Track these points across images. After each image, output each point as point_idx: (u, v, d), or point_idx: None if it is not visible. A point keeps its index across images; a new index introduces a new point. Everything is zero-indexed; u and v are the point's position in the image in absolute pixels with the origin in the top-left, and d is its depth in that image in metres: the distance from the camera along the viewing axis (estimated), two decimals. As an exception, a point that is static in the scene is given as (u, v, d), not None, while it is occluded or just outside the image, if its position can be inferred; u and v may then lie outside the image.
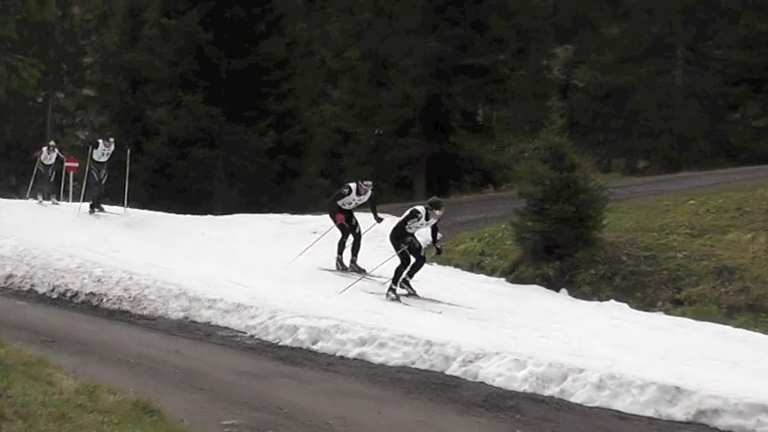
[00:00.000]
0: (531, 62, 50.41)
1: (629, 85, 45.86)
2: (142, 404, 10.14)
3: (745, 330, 18.82)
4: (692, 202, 25.64)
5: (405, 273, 20.33)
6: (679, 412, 13.01)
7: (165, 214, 29.05)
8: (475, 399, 13.74)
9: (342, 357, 15.90)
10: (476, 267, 24.52)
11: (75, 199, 32.63)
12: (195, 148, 40.37)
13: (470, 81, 42.34)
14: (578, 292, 22.00)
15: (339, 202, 23.08)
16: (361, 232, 23.33)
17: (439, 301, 19.97)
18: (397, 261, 20.40)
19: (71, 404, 9.42)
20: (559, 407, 13.47)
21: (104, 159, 28.59)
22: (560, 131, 25.28)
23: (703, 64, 46.40)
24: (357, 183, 22.85)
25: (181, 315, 18.59)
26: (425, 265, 24.89)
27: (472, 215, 29.27)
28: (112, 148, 28.67)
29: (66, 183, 33.94)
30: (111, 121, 49.46)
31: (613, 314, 19.15)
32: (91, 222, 27.83)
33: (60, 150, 34.07)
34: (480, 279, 23.75)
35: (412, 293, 20.34)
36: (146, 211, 31.13)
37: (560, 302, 21.25)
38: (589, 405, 13.49)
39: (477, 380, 14.57)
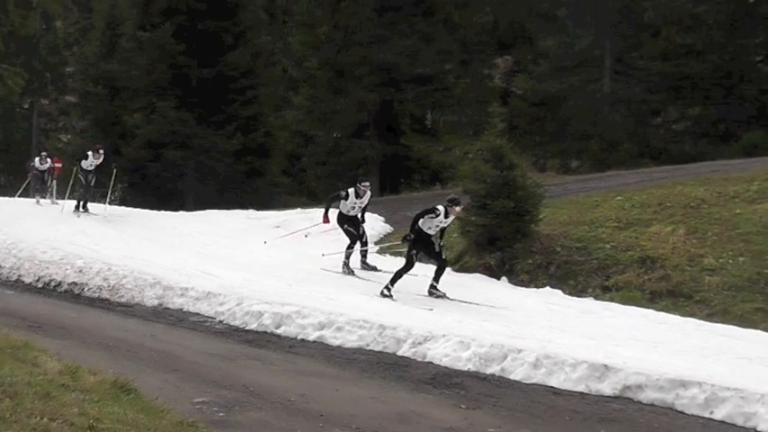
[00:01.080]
0: (474, 71, 50.37)
1: (563, 93, 46.04)
2: (120, 384, 10.11)
3: (665, 314, 18.96)
4: (618, 198, 25.76)
5: (404, 275, 19.40)
6: (607, 388, 13.12)
7: (141, 210, 28.95)
8: (424, 377, 13.78)
9: (303, 340, 15.93)
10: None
11: (58, 197, 32.43)
12: (168, 150, 40.33)
13: (419, 88, 42.41)
14: (517, 280, 22.09)
15: (341, 210, 22.05)
16: (368, 240, 22.87)
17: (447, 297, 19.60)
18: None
19: (55, 384, 9.38)
20: (500, 384, 13.54)
21: (91, 169, 28.40)
22: (500, 134, 25.52)
23: (628, 74, 46.61)
24: (355, 186, 21.98)
25: (155, 302, 18.56)
26: (378, 256, 24.98)
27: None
28: (102, 159, 28.46)
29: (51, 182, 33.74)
30: (91, 125, 49.30)
31: (549, 300, 19.23)
32: (73, 219, 27.69)
33: (51, 158, 33.98)
34: (429, 268, 23.76)
35: (441, 296, 19.25)
36: (123, 208, 31.01)
37: (501, 289, 21.32)
38: (527, 382, 13.58)
39: (425, 360, 14.62)
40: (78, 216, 27.87)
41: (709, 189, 25.15)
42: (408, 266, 19.42)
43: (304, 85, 46.98)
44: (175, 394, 11.46)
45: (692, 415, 12.33)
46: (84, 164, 28.23)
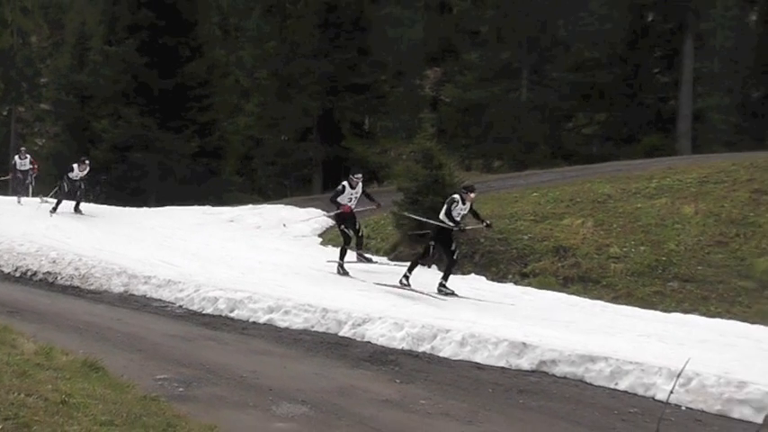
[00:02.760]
0: (407, 81, 50.50)
1: (485, 101, 46.18)
2: (89, 363, 10.10)
3: (576, 297, 19.10)
4: (535, 194, 25.90)
5: (416, 267, 18.94)
6: (525, 363, 13.22)
7: (109, 207, 28.67)
8: (362, 355, 13.82)
9: (254, 323, 15.92)
10: (363, 248, 24.55)
11: (34, 195, 32.04)
12: (132, 152, 40.08)
13: (357, 97, 42.41)
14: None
15: (339, 200, 20.88)
16: (363, 234, 22.10)
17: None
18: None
19: (31, 363, 9.36)
20: (430, 360, 13.60)
21: (78, 180, 28.02)
22: (430, 138, 25.43)
23: (543, 84, 46.88)
24: (348, 178, 21.06)
25: (122, 289, 18.47)
26: (324, 248, 24.96)
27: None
28: (87, 170, 28.09)
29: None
30: (63, 130, 48.98)
31: (474, 285, 19.30)
32: (47, 215, 27.40)
33: (31, 154, 33.59)
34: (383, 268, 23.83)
35: (450, 293, 18.34)
36: (93, 205, 30.71)
37: (431, 276, 21.36)
38: (454, 358, 13.65)
39: (364, 340, 14.66)
40: (51, 216, 27.46)
41: (614, 186, 25.34)
42: (425, 255, 19.12)
43: (254, 93, 46.86)
44: (139, 372, 11.43)
45: (600, 386, 12.45)
46: (72, 175, 27.89)
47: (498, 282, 20.75)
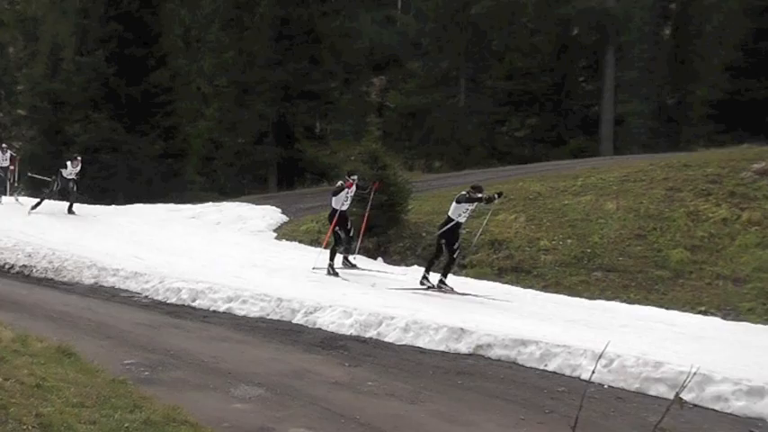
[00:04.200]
0: (355, 89, 50.46)
1: (427, 106, 46.32)
2: (63, 349, 10.02)
3: (510, 285, 19.25)
4: (472, 192, 25.97)
5: (432, 265, 18.30)
6: (463, 347, 13.26)
7: (80, 205, 28.33)
8: (314, 340, 13.80)
9: (214, 311, 15.84)
10: (315, 242, 24.49)
11: (11, 194, 31.51)
12: (102, 154, 39.73)
13: (309, 103, 42.38)
14: (391, 260, 22.20)
15: (338, 199, 19.64)
16: (353, 235, 20.52)
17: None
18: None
19: (8, 350, 9.29)
20: (377, 345, 13.61)
21: (72, 177, 27.46)
22: (376, 140, 25.43)
23: (479, 91, 47.10)
24: (344, 180, 19.86)
25: (92, 281, 18.28)
26: (279, 242, 24.90)
27: (312, 203, 29.21)
28: (79, 166, 27.53)
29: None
30: (38, 134, 48.49)
31: (416, 276, 19.33)
32: (23, 213, 27.02)
33: (11, 149, 33.02)
34: (318, 251, 23.72)
35: (449, 290, 17.88)
36: (66, 203, 30.36)
37: (377, 268, 21.38)
38: (398, 343, 13.67)
39: (315, 326, 14.64)
40: (29, 214, 26.99)
41: (544, 184, 25.47)
42: (438, 253, 18.37)
43: (214, 99, 46.66)
44: (109, 357, 11.32)
45: (531, 367, 12.54)
46: (65, 172, 27.29)
47: (438, 273, 20.78)
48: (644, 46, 51.36)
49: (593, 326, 15.48)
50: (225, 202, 31.29)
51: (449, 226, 18.01)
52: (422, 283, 18.10)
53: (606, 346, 6.25)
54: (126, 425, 7.71)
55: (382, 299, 16.55)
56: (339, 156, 44.09)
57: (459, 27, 46.46)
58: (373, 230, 22.96)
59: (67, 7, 56.79)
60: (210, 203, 31.06)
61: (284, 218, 27.39)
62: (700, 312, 18.32)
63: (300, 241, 24.77)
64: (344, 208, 19.81)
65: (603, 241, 21.44)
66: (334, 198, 19.81)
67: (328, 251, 19.87)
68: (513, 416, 10.29)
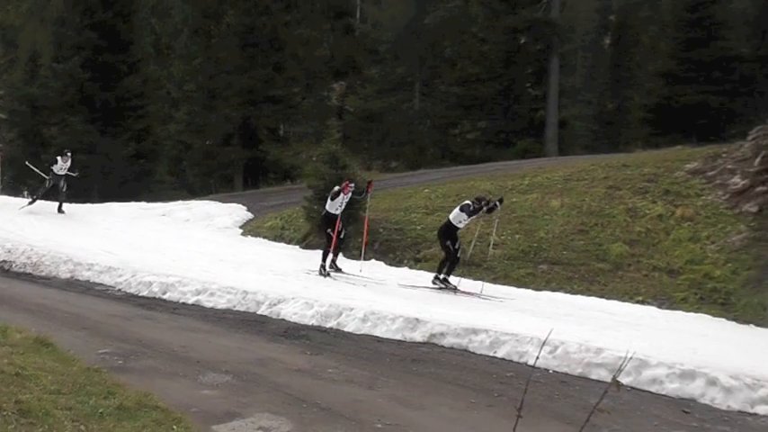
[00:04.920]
0: (316, 93, 50.34)
1: (384, 110, 46.34)
2: (41, 339, 9.94)
3: (462, 278, 19.23)
4: (426, 190, 26.02)
5: (446, 267, 18.02)
6: (418, 336, 13.29)
7: (41, 202, 27.95)
8: (278, 330, 13.77)
9: (183, 303, 15.75)
10: (278, 238, 24.48)
11: None
12: (77, 155, 39.41)
13: (273, 107, 42.24)
14: (350, 254, 22.14)
15: (334, 204, 18.91)
16: (344, 237, 19.79)
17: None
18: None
19: (-11, 341, 9.23)
20: (337, 335, 13.60)
21: (63, 173, 26.95)
22: (336, 142, 25.45)
23: (433, 95, 47.26)
24: (341, 186, 19.00)
25: (68, 275, 18.10)
26: (245, 238, 24.83)
27: (276, 201, 29.17)
28: (69, 162, 27.04)
29: None
30: (17, 136, 47.89)
31: (374, 269, 19.36)
32: (3, 211, 26.68)
33: None
34: (281, 246, 23.73)
35: (451, 288, 17.78)
36: (43, 202, 30.03)
37: (338, 262, 21.36)
38: (357, 333, 13.67)
39: (279, 317, 14.61)
40: (19, 210, 26.53)
41: (493, 183, 25.59)
42: (448, 256, 18.05)
43: (183, 104, 46.41)
44: (84, 347, 11.25)
45: (481, 354, 12.60)
46: (56, 168, 26.80)
47: (395, 266, 20.84)
48: (586, 54, 51.87)
49: (539, 315, 15.59)
50: (193, 201, 31.15)
51: (448, 229, 18.03)
52: (434, 283, 17.94)
53: (549, 333, 6.31)
54: (100, 410, 7.69)
55: (342, 291, 16.57)
56: (301, 157, 44.00)
57: (413, 36, 46.55)
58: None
59: (45, 16, 56.54)
60: (180, 202, 30.92)
61: (249, 215, 27.32)
62: (637, 302, 18.55)
63: (265, 237, 24.74)
64: (338, 212, 19.10)
65: (549, 236, 21.59)
66: (330, 202, 19.06)
67: (322, 253, 19.23)
68: (465, 400, 10.33)
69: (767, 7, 33.14)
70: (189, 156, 45.63)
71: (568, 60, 48.33)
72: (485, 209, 18.07)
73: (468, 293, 17.56)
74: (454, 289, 17.78)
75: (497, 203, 18.34)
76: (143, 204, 30.12)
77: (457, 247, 18.03)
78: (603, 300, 18.36)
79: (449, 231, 18.04)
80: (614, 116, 49.29)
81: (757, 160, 22.84)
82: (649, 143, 34.10)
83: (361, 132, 48.58)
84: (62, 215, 26.46)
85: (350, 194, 19.18)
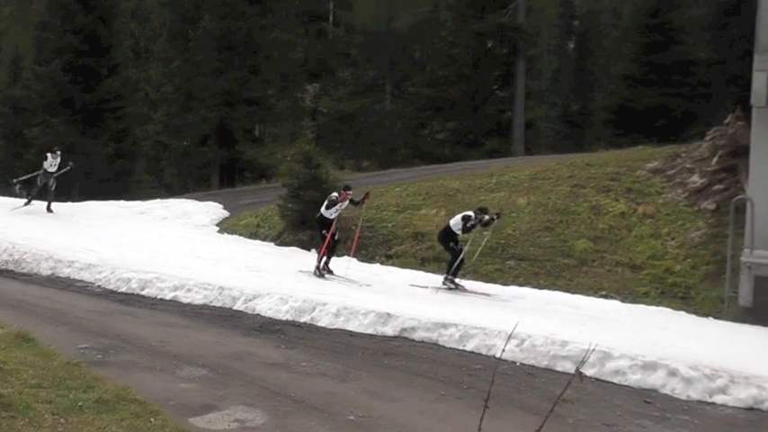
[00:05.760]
0: (290, 95, 50.20)
1: (356, 111, 46.32)
2: (22, 335, 9.95)
3: (432, 274, 19.31)
4: (397, 189, 26.00)
5: (453, 267, 17.65)
6: (389, 330, 13.32)
7: (37, 202, 27.73)
8: (253, 325, 13.77)
9: (161, 299, 15.72)
10: (254, 235, 24.39)
11: None
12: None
13: (249, 108, 42.05)
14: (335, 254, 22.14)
15: (329, 211, 18.43)
16: (336, 246, 19.00)
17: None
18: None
19: (-28, 336, 9.18)
20: (310, 329, 13.62)
21: (53, 170, 26.50)
22: (310, 142, 25.47)
23: (404, 97, 47.22)
24: (339, 192, 18.68)
25: (49, 272, 17.99)
26: (221, 236, 24.73)
27: (251, 200, 29.07)
28: (59, 158, 26.66)
29: None
30: (0, 137, 47.63)
31: (347, 266, 19.32)
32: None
33: None
34: (256, 243, 23.66)
35: (455, 288, 17.52)
36: (23, 201, 29.75)
37: (311, 258, 21.33)
38: (330, 327, 13.69)
39: (254, 312, 14.61)
40: (12, 212, 26.15)
41: (462, 182, 25.60)
42: (454, 256, 17.72)
43: (162, 105, 46.12)
44: (64, 342, 11.24)
45: (451, 348, 12.64)
46: (45, 164, 26.40)
47: (368, 263, 20.83)
48: (551, 58, 52.05)
49: (506, 309, 15.64)
50: (171, 199, 30.98)
51: (447, 233, 17.82)
52: (446, 285, 17.61)
53: (515, 326, 6.30)
54: (80, 404, 7.68)
55: (316, 287, 16.55)
56: (276, 156, 43.86)
57: (384, 40, 46.53)
58: (307, 224, 22.94)
59: (27, 20, 56.08)
60: (158, 200, 30.76)
61: (226, 213, 27.21)
62: (601, 296, 18.64)
63: (240, 234, 24.66)
64: (333, 217, 18.63)
65: (516, 233, 21.64)
66: (325, 210, 18.58)
67: (316, 255, 18.91)
68: (435, 392, 10.35)
69: (723, 14, 33.42)
70: (167, 156, 45.41)
71: (534, 63, 48.40)
72: (478, 226, 17.83)
73: (476, 293, 17.31)
74: (462, 289, 17.49)
75: (495, 217, 18.15)
76: (122, 203, 29.93)
77: (460, 247, 17.78)
78: (569, 294, 18.43)
79: (449, 235, 17.84)
80: (578, 117, 49.52)
81: (714, 160, 23.03)
82: (612, 143, 34.25)
83: (333, 133, 48.54)
84: (50, 214, 26.14)
85: (347, 203, 18.76)
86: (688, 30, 38.72)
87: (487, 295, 17.24)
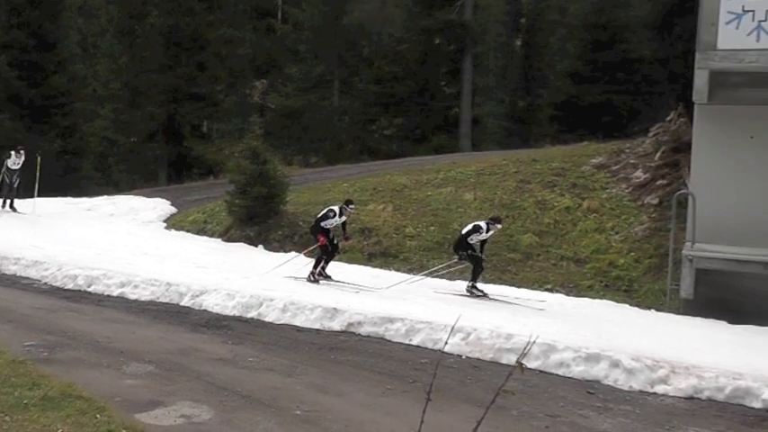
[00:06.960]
0: (238, 91, 49.92)
1: (304, 107, 46.14)
2: (-35, 333, 9.80)
3: (378, 269, 19.48)
4: (345, 184, 26.06)
5: (475, 273, 17.31)
6: (336, 325, 13.37)
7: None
8: (200, 321, 13.73)
9: (108, 296, 15.62)
10: (201, 231, 24.30)
11: None
12: (4, 151, 38.61)
13: (196, 104, 41.84)
14: (270, 247, 22.14)
15: (323, 224, 17.81)
16: (334, 254, 18.35)
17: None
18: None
19: None
20: (257, 325, 13.62)
21: (16, 168, 26.13)
22: (258, 138, 25.43)
23: (351, 93, 47.15)
24: (341, 208, 17.90)
25: (-7, 270, 17.81)
26: (168, 232, 24.59)
27: (198, 196, 28.95)
28: (23, 159, 26.23)
29: None
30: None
31: (293, 262, 19.32)
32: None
33: None
34: (204, 239, 23.57)
35: (483, 296, 17.07)
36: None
37: (258, 254, 21.33)
38: (277, 322, 13.71)
39: (201, 308, 14.58)
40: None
41: (409, 177, 25.72)
42: (475, 263, 17.29)
43: (109, 101, 45.61)
44: (10, 339, 11.17)
45: (397, 342, 12.72)
46: (9, 162, 26.03)
47: (312, 258, 20.80)
48: (498, 55, 52.26)
49: (450, 303, 15.75)
50: (118, 196, 30.78)
51: (461, 242, 17.46)
52: (470, 292, 17.23)
53: (457, 320, 6.40)
54: (25, 401, 7.64)
55: (262, 283, 16.54)
56: (224, 153, 43.60)
57: (332, 36, 46.45)
58: (254, 220, 22.93)
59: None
60: (105, 197, 30.56)
61: (173, 209, 27.07)
62: (546, 290, 18.86)
63: (188, 230, 24.57)
64: (328, 228, 18.03)
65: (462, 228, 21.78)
66: (323, 222, 17.91)
67: (315, 259, 18.27)
68: (381, 386, 10.41)
69: (666, 13, 33.86)
70: (114, 152, 44.97)
71: (481, 60, 48.70)
72: (498, 227, 17.65)
73: (498, 299, 17.01)
74: (485, 295, 17.13)
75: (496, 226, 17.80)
76: (69, 200, 29.71)
77: (477, 253, 17.39)
78: (514, 288, 18.62)
79: (463, 244, 17.41)
80: (525, 114, 49.80)
81: (657, 155, 23.39)
82: (558, 139, 34.54)
83: (281, 129, 48.33)
84: (17, 214, 25.66)
85: (344, 218, 18.13)
86: (632, 28, 39.14)
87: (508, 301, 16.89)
